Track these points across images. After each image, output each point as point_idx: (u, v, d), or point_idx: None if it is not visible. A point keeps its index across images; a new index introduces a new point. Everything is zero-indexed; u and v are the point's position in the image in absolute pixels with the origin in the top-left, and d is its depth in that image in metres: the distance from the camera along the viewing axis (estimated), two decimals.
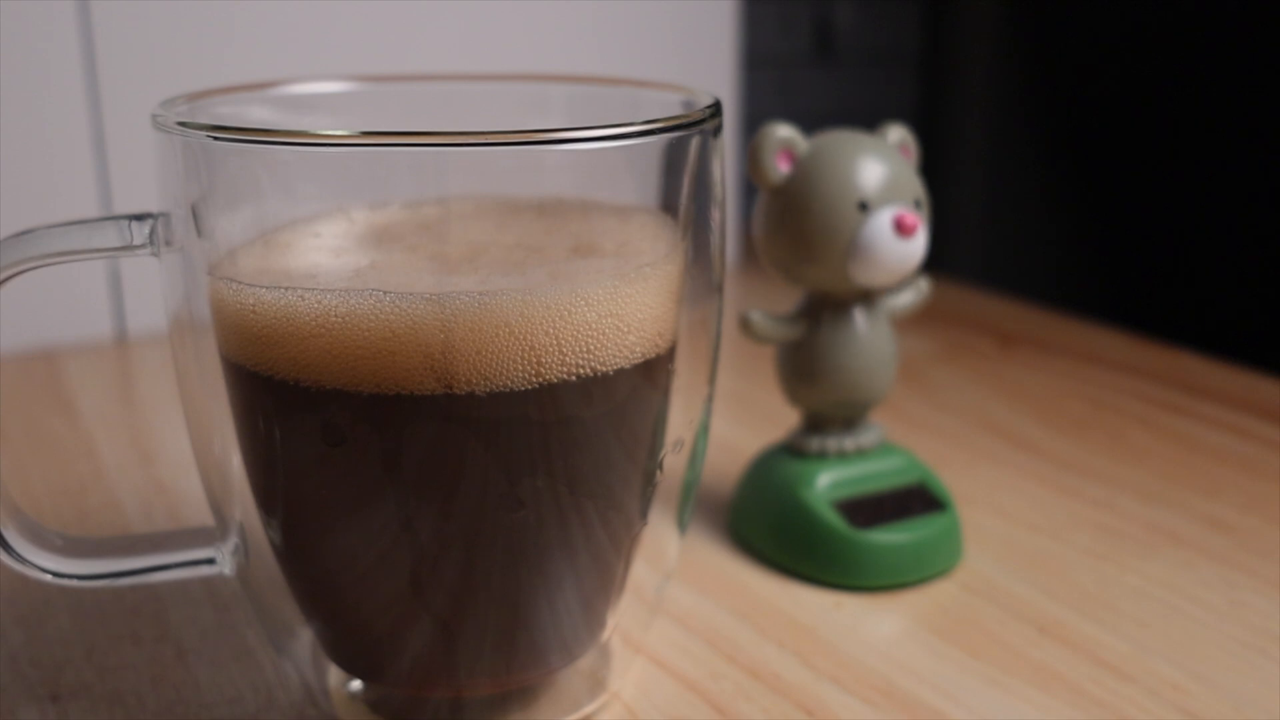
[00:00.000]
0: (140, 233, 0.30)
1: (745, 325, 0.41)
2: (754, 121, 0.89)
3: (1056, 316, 0.69)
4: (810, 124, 0.42)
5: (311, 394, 0.28)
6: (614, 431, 0.30)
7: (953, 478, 0.47)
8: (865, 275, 0.39)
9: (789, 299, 0.42)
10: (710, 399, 0.34)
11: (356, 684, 0.34)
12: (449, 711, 0.33)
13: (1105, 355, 0.63)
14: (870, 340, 0.41)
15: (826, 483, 0.41)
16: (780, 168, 0.39)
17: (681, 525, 0.35)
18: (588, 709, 0.34)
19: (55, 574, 0.32)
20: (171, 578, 0.33)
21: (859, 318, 0.41)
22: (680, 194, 0.31)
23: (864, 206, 0.39)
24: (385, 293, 0.27)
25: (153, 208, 0.30)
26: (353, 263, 0.30)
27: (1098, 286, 1.04)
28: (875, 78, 1.02)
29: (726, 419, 0.52)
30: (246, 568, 0.33)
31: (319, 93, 0.36)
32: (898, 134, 0.41)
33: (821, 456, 0.42)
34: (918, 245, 0.39)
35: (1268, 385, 0.58)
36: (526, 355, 0.27)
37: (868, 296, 0.41)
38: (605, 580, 0.32)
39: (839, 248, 0.39)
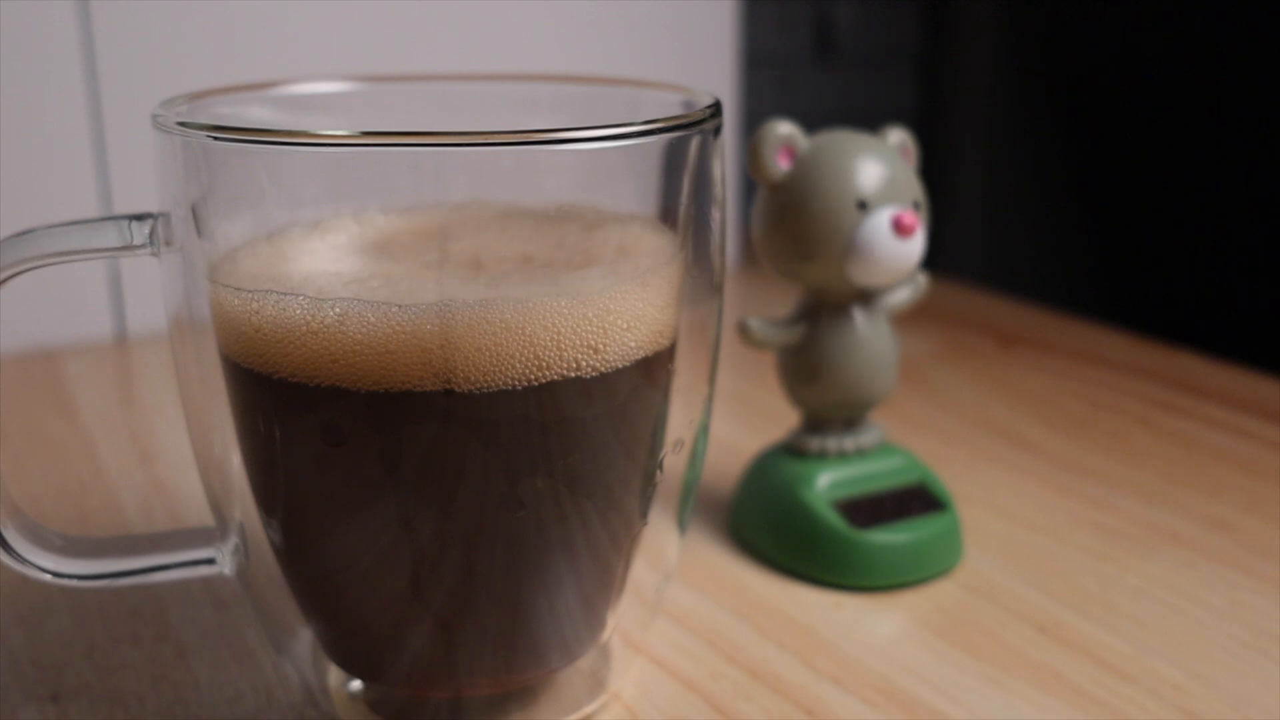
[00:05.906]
0: (140, 233, 0.30)
1: (743, 333, 0.41)
2: (754, 121, 0.89)
3: (1056, 316, 0.69)
4: (810, 124, 0.42)
5: (311, 393, 0.28)
6: (614, 431, 0.30)
7: (953, 478, 0.47)
8: (862, 274, 0.39)
9: (788, 300, 0.42)
10: (710, 399, 0.34)
11: (356, 684, 0.34)
12: (449, 711, 0.33)
13: (1105, 355, 0.63)
14: (870, 340, 0.41)
15: (826, 483, 0.41)
16: (780, 164, 0.39)
17: (681, 525, 0.35)
18: (588, 709, 0.34)
19: (55, 574, 0.32)
20: (171, 578, 0.33)
21: (858, 318, 0.41)
22: (680, 194, 0.31)
23: (863, 205, 0.39)
24: (384, 301, 0.27)
25: (153, 208, 0.30)
26: (353, 267, 0.30)
27: (1098, 286, 1.04)
28: (875, 78, 1.02)
29: (726, 419, 0.52)
30: (246, 568, 0.33)
31: (319, 93, 0.36)
32: (898, 136, 0.41)
33: (821, 456, 0.42)
34: (915, 246, 0.39)
35: (1268, 385, 0.58)
36: (526, 354, 0.27)
37: (866, 297, 0.41)
38: (605, 580, 0.32)
39: (837, 246, 0.39)
